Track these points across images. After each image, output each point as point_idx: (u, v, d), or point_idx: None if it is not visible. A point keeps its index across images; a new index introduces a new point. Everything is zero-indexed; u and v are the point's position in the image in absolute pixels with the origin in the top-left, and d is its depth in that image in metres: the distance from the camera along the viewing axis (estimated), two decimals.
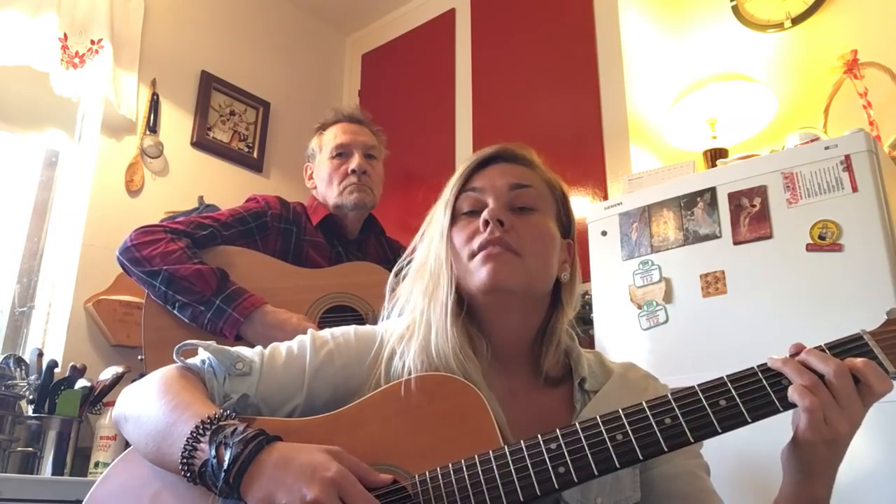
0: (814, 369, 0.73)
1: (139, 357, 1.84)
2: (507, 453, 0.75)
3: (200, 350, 0.89)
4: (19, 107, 2.49)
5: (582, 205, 2.28)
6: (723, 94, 2.29)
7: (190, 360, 0.90)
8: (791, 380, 0.73)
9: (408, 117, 3.06)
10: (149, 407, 0.83)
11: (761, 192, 1.67)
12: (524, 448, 0.75)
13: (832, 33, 2.28)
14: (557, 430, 0.76)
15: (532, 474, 0.73)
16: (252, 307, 1.54)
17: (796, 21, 2.36)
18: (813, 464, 0.75)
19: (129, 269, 1.59)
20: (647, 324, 1.77)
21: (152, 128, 2.71)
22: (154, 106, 2.73)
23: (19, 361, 2.13)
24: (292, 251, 1.73)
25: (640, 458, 0.73)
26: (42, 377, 2.07)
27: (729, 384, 0.75)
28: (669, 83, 2.54)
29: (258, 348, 0.93)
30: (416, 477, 0.76)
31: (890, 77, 2.07)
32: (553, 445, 0.75)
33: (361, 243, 1.87)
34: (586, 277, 1.93)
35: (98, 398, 2.12)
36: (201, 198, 2.65)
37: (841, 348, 0.76)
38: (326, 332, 0.96)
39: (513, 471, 0.74)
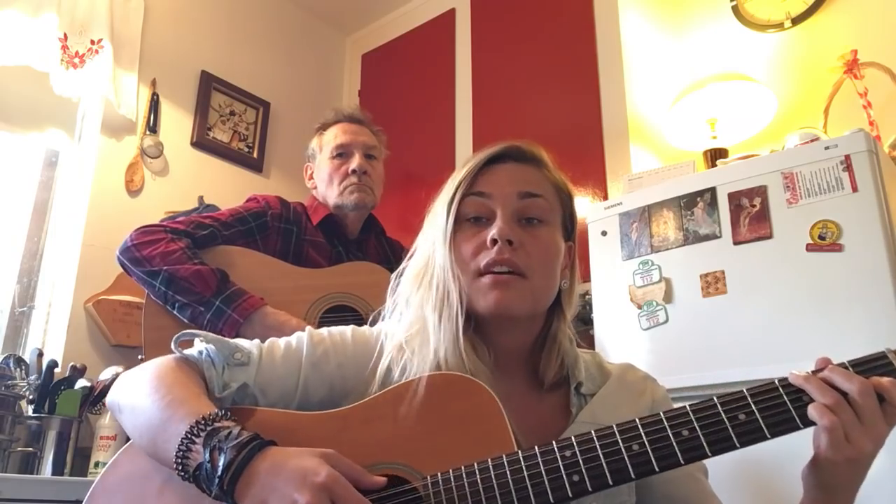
0: (837, 387, 0.72)
1: (139, 357, 1.84)
2: (521, 459, 0.74)
3: (198, 341, 0.89)
4: (19, 107, 2.49)
5: (582, 205, 2.28)
6: (723, 94, 2.29)
7: (188, 351, 0.88)
8: (813, 397, 0.72)
9: (408, 117, 3.06)
10: (143, 399, 0.82)
11: (761, 192, 1.67)
12: (538, 454, 0.74)
13: (832, 33, 2.28)
14: (573, 438, 0.75)
15: (546, 481, 0.72)
16: (252, 308, 1.54)
17: (796, 21, 2.36)
18: (835, 483, 0.74)
19: (129, 268, 1.59)
20: (647, 324, 1.77)
21: (152, 128, 2.71)
22: (154, 106, 2.73)
23: (19, 361, 2.13)
24: (292, 251, 1.73)
25: (657, 469, 0.72)
26: (42, 377, 2.07)
27: (749, 398, 0.73)
28: (669, 83, 2.54)
29: (256, 341, 0.93)
30: (429, 478, 0.75)
31: (890, 77, 2.07)
32: (568, 453, 0.73)
33: (362, 243, 1.87)
34: (586, 277, 1.93)
35: (98, 398, 2.12)
36: (201, 198, 2.65)
37: (865, 366, 0.74)
38: (324, 331, 0.95)
39: (526, 477, 0.73)
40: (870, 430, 0.71)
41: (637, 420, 0.74)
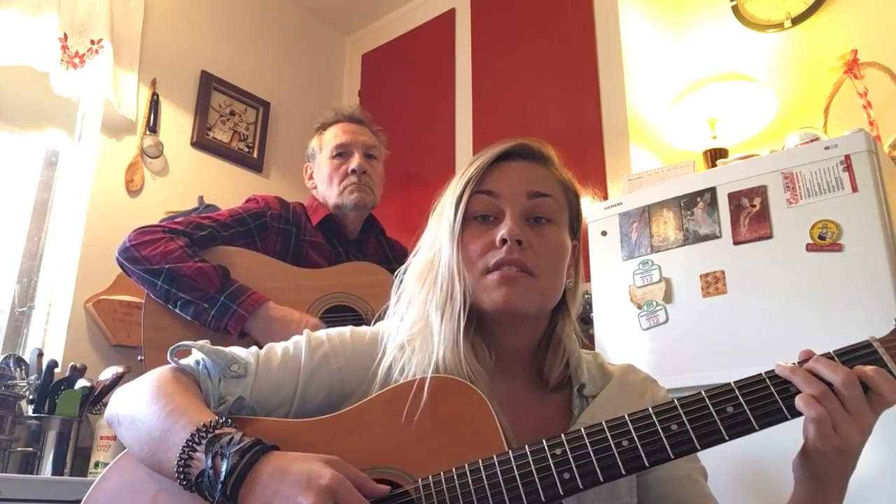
0: (822, 378, 0.72)
1: (139, 357, 1.84)
2: (512, 458, 0.74)
3: (195, 351, 0.88)
4: (19, 107, 2.49)
5: (582, 205, 2.27)
6: (723, 94, 2.29)
7: (184, 361, 0.88)
8: (799, 389, 0.72)
9: (408, 117, 3.06)
10: (143, 410, 0.81)
11: (761, 192, 1.67)
12: (529, 453, 0.74)
13: (832, 33, 2.28)
14: (562, 436, 0.75)
15: (537, 480, 0.72)
16: (257, 304, 1.55)
17: (796, 21, 2.36)
18: (824, 473, 0.75)
19: (128, 268, 1.59)
20: (647, 324, 1.77)
21: (152, 128, 2.71)
22: (154, 106, 2.73)
23: (19, 361, 2.13)
24: (292, 251, 1.73)
25: (647, 464, 0.72)
26: (42, 377, 2.07)
27: (736, 391, 0.74)
28: (669, 83, 2.54)
29: (253, 349, 0.92)
30: (420, 481, 0.76)
31: (890, 77, 2.07)
32: (558, 451, 0.74)
33: (361, 243, 1.87)
34: (586, 277, 1.93)
35: (98, 398, 2.12)
36: (201, 198, 2.65)
37: (850, 356, 0.75)
38: (322, 334, 0.94)
39: (517, 476, 0.73)
40: (857, 420, 0.71)
41: (626, 416, 0.75)
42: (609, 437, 0.73)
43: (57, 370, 2.11)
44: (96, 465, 2.05)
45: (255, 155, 3.04)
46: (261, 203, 1.75)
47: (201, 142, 2.86)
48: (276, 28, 3.29)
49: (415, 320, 0.91)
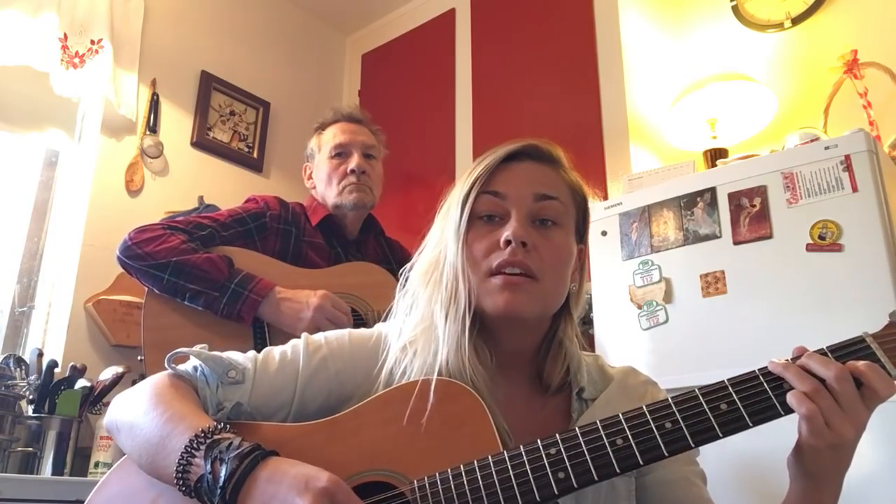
0: (815, 373, 0.72)
1: (139, 357, 1.84)
2: (507, 458, 0.74)
3: (192, 357, 0.88)
4: (19, 107, 2.49)
5: (590, 207, 2.27)
6: (723, 94, 2.29)
7: (181, 367, 0.88)
8: (792, 385, 0.72)
9: (408, 117, 3.06)
10: (141, 417, 0.81)
11: (761, 192, 1.67)
12: (523, 453, 0.74)
13: (832, 33, 2.28)
14: (557, 435, 0.75)
15: (531, 480, 0.73)
16: (268, 288, 1.57)
17: (796, 21, 2.36)
18: (819, 470, 0.74)
19: (131, 266, 1.59)
20: (647, 324, 1.77)
21: (152, 128, 2.71)
22: (154, 106, 2.73)
23: (19, 361, 2.13)
24: (291, 252, 1.73)
25: (641, 462, 0.72)
26: (42, 377, 2.07)
27: (730, 387, 0.74)
28: (669, 83, 2.54)
29: (251, 353, 0.92)
30: (415, 482, 0.76)
31: (890, 77, 2.07)
32: (553, 451, 0.74)
33: (361, 243, 1.87)
34: (587, 277, 1.93)
35: (98, 398, 2.12)
36: (201, 198, 2.65)
37: (843, 351, 0.75)
38: (320, 337, 0.94)
39: (512, 476, 0.73)
40: (849, 415, 0.71)
41: (621, 415, 0.75)
42: (603, 436, 0.74)
43: (57, 370, 2.11)
44: (96, 465, 2.05)
45: (255, 155, 3.04)
46: (260, 203, 1.75)
47: (201, 142, 2.86)
48: (276, 28, 3.29)
49: (418, 320, 0.91)
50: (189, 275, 1.54)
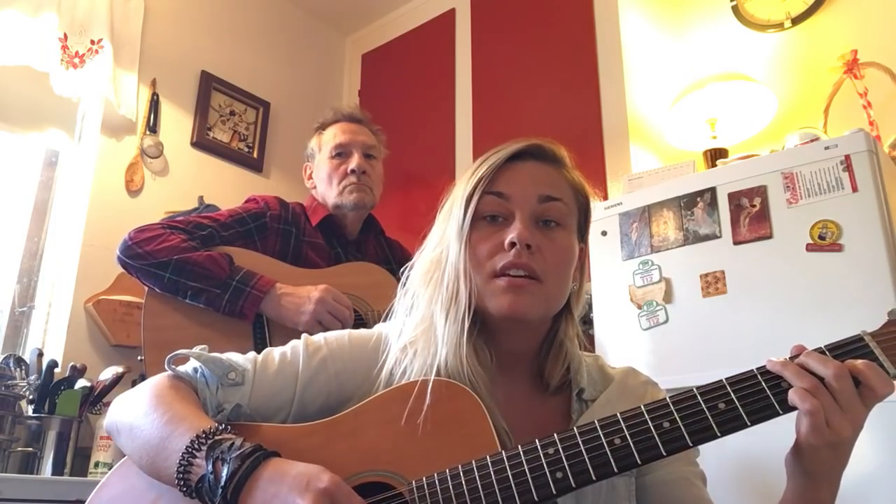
0: (813, 372, 0.72)
1: (139, 357, 1.84)
2: (505, 459, 0.74)
3: (192, 359, 0.88)
4: (19, 107, 2.49)
5: (591, 207, 2.27)
6: (723, 94, 2.29)
7: (181, 369, 0.88)
8: (791, 383, 0.72)
9: (408, 117, 3.06)
10: (141, 419, 0.81)
11: (761, 192, 1.67)
12: (522, 453, 0.74)
13: (832, 33, 2.28)
14: (555, 435, 0.75)
15: (529, 480, 0.73)
16: (269, 284, 1.58)
17: (796, 21, 2.36)
18: (817, 468, 0.75)
19: (132, 265, 1.59)
20: (647, 324, 1.77)
21: (152, 128, 2.71)
22: (154, 106, 2.73)
23: (19, 361, 2.13)
24: (291, 252, 1.73)
25: (639, 462, 0.72)
26: (42, 377, 2.07)
27: (728, 387, 0.74)
28: (669, 83, 2.54)
29: (251, 354, 0.92)
30: (414, 483, 0.76)
31: (890, 77, 2.07)
32: (551, 451, 0.74)
33: (361, 243, 1.87)
34: (587, 277, 1.93)
35: (98, 398, 2.12)
36: (201, 198, 2.66)
37: (841, 350, 0.75)
38: (320, 337, 0.94)
39: (510, 476, 0.73)
40: (848, 414, 0.71)
41: (619, 415, 0.75)
42: (601, 436, 0.74)
43: (57, 370, 2.11)
44: (96, 465, 2.05)
45: (255, 155, 3.05)
46: (260, 203, 1.75)
47: (201, 142, 2.86)
48: (276, 28, 3.29)
49: (419, 321, 0.90)
50: (190, 273, 1.54)
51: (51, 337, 2.38)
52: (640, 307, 1.80)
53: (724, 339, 1.63)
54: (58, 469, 1.99)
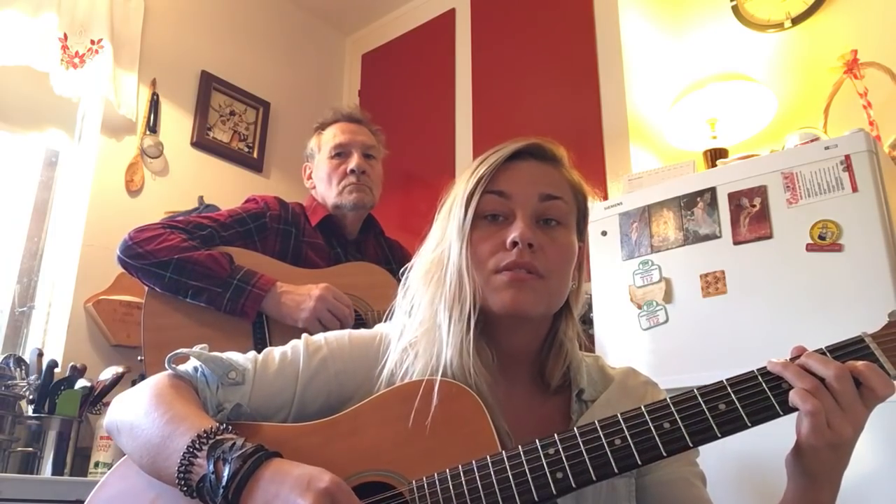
0: (814, 373, 0.72)
1: (139, 357, 1.84)
2: (505, 459, 0.74)
3: (192, 358, 0.88)
4: (19, 107, 2.49)
5: (589, 206, 2.27)
6: (723, 94, 2.29)
7: (181, 368, 0.88)
8: (792, 384, 0.72)
9: (408, 117, 3.06)
10: (142, 418, 0.81)
11: (761, 192, 1.67)
12: (522, 454, 0.74)
13: (832, 33, 2.28)
14: (556, 436, 0.75)
15: (530, 480, 0.73)
16: (270, 283, 1.58)
17: (796, 21, 2.36)
18: (818, 469, 0.75)
19: (132, 265, 1.59)
20: (647, 324, 1.77)
21: (152, 128, 2.71)
22: (154, 106, 2.73)
23: (19, 361, 2.13)
24: (291, 252, 1.73)
25: (639, 462, 0.72)
26: (42, 377, 2.07)
27: (728, 388, 0.74)
28: (669, 83, 2.54)
29: (251, 354, 0.92)
30: (414, 483, 0.76)
31: (890, 77, 2.07)
32: (551, 451, 0.74)
33: (360, 244, 1.87)
34: (586, 277, 1.93)
35: (98, 398, 2.12)
36: (201, 198, 2.65)
37: (842, 351, 0.75)
38: (321, 338, 0.94)
39: (510, 476, 0.73)
40: (849, 415, 0.71)
41: (619, 415, 0.75)
42: (602, 437, 0.74)
43: (57, 370, 2.11)
44: (96, 465, 2.05)
45: (255, 155, 3.05)
46: (260, 203, 1.75)
47: (201, 142, 2.86)
48: (276, 28, 3.29)
49: (420, 321, 0.90)
50: (191, 272, 1.54)
51: (51, 337, 2.38)
52: (640, 307, 1.80)
53: (724, 339, 1.63)
54: (58, 469, 1.99)
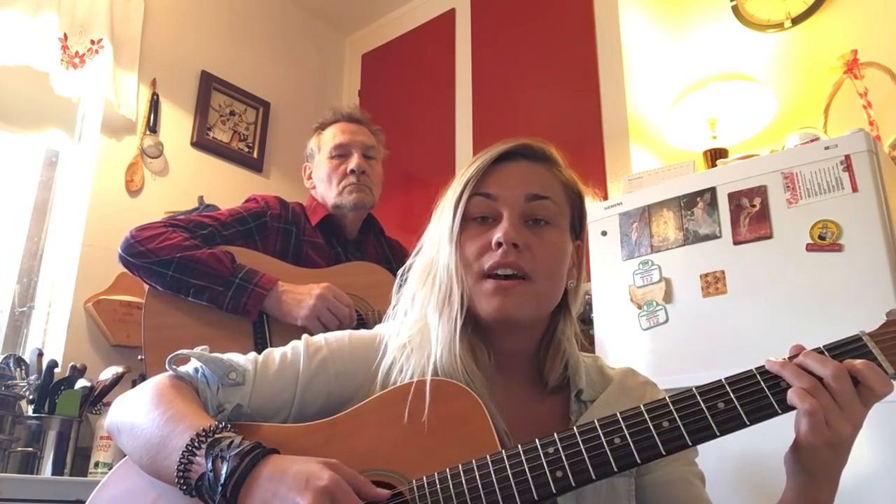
0: (812, 372, 0.73)
1: (139, 357, 1.84)
2: (505, 458, 0.75)
3: (193, 359, 0.88)
4: (19, 107, 2.49)
5: (586, 204, 2.27)
6: (723, 94, 2.29)
7: (182, 369, 0.88)
8: (790, 383, 0.73)
9: (408, 117, 3.06)
10: (142, 418, 0.81)
11: (761, 192, 1.67)
12: (522, 453, 0.75)
13: (832, 33, 2.28)
14: (555, 435, 0.75)
15: (529, 479, 0.73)
16: (272, 282, 1.58)
17: (796, 21, 2.36)
18: (816, 467, 0.75)
19: (133, 263, 1.59)
20: (647, 324, 1.77)
21: (152, 128, 2.71)
22: (154, 106, 2.73)
23: (19, 361, 2.13)
24: (291, 251, 1.73)
25: (639, 461, 0.73)
26: (42, 377, 2.07)
27: (727, 387, 0.74)
28: (669, 83, 2.54)
29: (251, 355, 0.92)
30: (414, 482, 0.76)
31: (890, 77, 2.07)
32: (551, 450, 0.74)
33: (360, 243, 1.87)
34: (586, 277, 1.93)
35: (98, 398, 2.12)
36: (201, 198, 2.65)
37: (840, 350, 0.75)
38: (321, 338, 0.94)
39: (510, 475, 0.73)
40: (847, 413, 0.71)
41: (618, 414, 0.75)
42: (601, 436, 0.74)
43: (57, 370, 2.11)
44: (96, 465, 2.05)
45: (255, 155, 3.05)
46: (261, 203, 1.76)
47: (201, 142, 2.86)
48: (276, 28, 3.29)
49: (415, 321, 0.91)
50: (193, 271, 1.55)
51: (51, 337, 2.38)
52: (640, 307, 1.80)
53: (724, 339, 1.63)
54: (58, 469, 1.99)
